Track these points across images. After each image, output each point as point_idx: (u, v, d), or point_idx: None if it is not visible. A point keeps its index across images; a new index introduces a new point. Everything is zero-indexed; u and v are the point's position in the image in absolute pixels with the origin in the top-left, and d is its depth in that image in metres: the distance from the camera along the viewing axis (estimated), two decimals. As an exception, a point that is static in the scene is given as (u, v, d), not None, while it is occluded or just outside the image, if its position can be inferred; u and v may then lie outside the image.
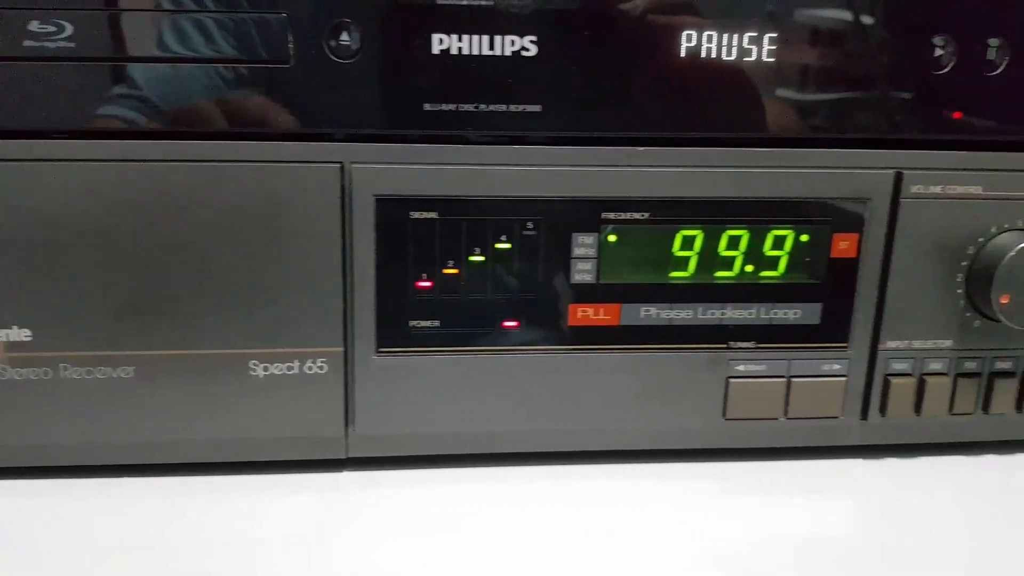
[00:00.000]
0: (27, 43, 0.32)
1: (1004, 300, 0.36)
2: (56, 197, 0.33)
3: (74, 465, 0.36)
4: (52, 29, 0.32)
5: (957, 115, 0.36)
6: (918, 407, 0.39)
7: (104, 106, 0.33)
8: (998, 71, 0.35)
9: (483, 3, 0.33)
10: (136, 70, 0.33)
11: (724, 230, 0.37)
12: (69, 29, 0.32)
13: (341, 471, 0.38)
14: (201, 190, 0.34)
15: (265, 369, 0.36)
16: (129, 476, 0.36)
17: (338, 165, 0.34)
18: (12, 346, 0.34)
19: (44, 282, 0.34)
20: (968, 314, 0.38)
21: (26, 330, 0.34)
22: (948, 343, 0.38)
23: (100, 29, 0.32)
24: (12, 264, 0.33)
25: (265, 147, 0.34)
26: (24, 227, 0.33)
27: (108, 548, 0.32)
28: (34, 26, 0.32)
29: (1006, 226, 0.37)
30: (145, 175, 0.33)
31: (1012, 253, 0.36)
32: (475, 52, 0.33)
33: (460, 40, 0.33)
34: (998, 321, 0.37)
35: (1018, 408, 0.40)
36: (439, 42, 0.33)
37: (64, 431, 0.35)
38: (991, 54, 0.35)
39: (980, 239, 0.37)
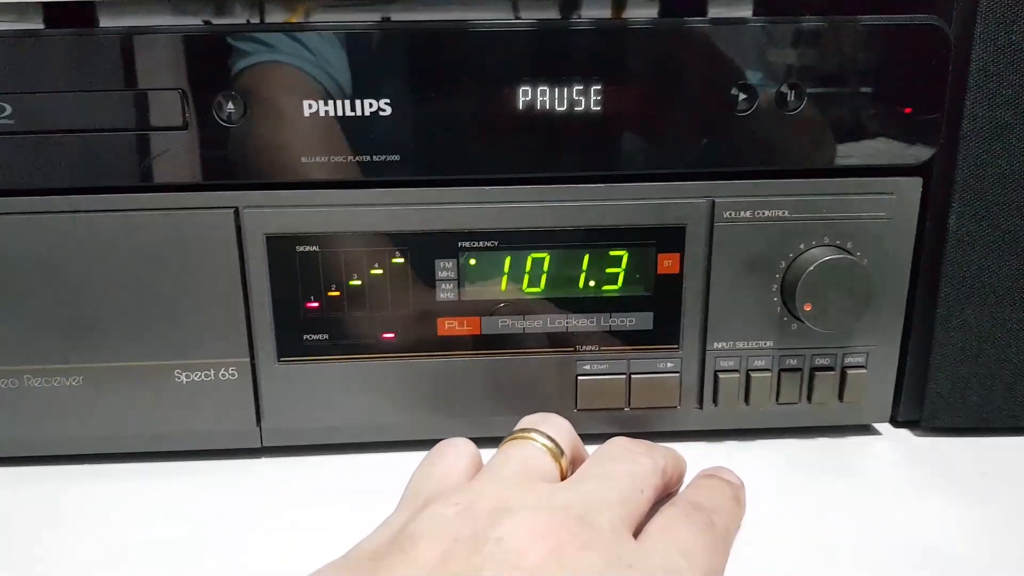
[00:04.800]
0: (-23, 122, 0.39)
1: (808, 308, 0.42)
2: (13, 244, 0.41)
3: (38, 455, 0.44)
4: (-5, 110, 0.39)
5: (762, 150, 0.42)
6: (747, 398, 0.45)
7: (49, 169, 0.40)
8: (794, 112, 0.41)
9: (344, 74, 0.40)
10: (70, 140, 0.40)
11: (568, 252, 0.43)
12: (9, 109, 0.39)
13: (259, 458, 0.46)
14: (129, 233, 0.41)
15: (187, 377, 0.43)
16: (84, 464, 0.45)
17: (233, 209, 0.41)
18: (-16, 362, 0.43)
19: (8, 312, 0.42)
20: (785, 318, 0.44)
21: (-6, 349, 0.43)
22: (770, 343, 0.44)
23: (36, 109, 0.40)
24: (-21, 298, 0.42)
25: (174, 197, 0.41)
26: (-14, 268, 0.41)
27: (80, 517, 0.40)
28: (-19, 108, 0.39)
29: (813, 243, 0.43)
30: (84, 223, 0.41)
31: (811, 268, 0.41)
32: (339, 113, 0.40)
33: (326, 104, 0.40)
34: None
35: (840, 397, 0.45)
36: (309, 107, 0.40)
37: (28, 429, 0.43)
38: (787, 97, 0.41)
39: (791, 255, 0.43)
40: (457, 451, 0.34)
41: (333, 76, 0.40)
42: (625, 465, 0.32)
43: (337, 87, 0.40)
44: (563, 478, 0.33)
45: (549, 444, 0.33)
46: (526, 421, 0.35)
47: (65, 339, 0.42)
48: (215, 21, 0.43)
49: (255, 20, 0.47)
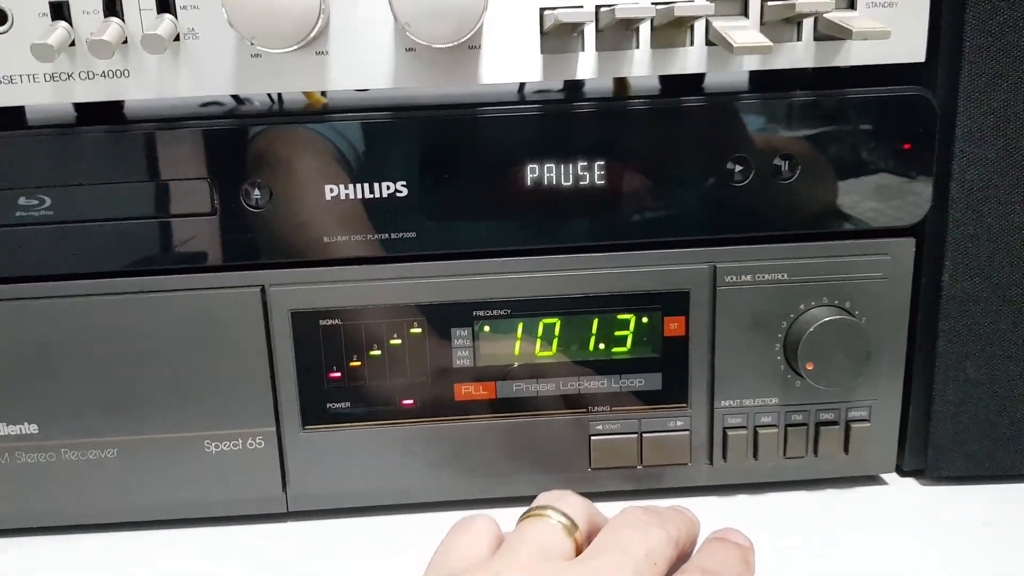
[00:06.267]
0: (18, 213, 0.42)
1: (809, 366, 0.44)
2: (52, 326, 0.43)
3: (75, 524, 0.46)
4: (36, 202, 0.42)
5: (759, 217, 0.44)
6: (755, 454, 0.47)
7: (86, 256, 0.43)
8: (789, 181, 0.43)
9: (363, 159, 0.42)
10: (106, 228, 0.42)
11: (578, 317, 0.45)
12: (48, 201, 0.42)
13: (285, 522, 0.47)
14: (161, 312, 0.43)
15: (216, 447, 0.45)
16: (118, 531, 0.46)
17: (259, 288, 0.43)
18: (23, 438, 0.45)
19: (46, 390, 0.44)
20: (789, 376, 0.46)
21: (34, 425, 0.45)
22: (775, 400, 0.46)
23: (73, 200, 0.42)
24: (21, 378, 0.44)
25: (204, 277, 0.43)
26: (29, 351, 0.43)
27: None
28: (22, 200, 0.42)
29: (813, 304, 0.45)
30: (119, 305, 0.43)
31: (811, 329, 0.43)
32: (359, 196, 0.43)
33: (347, 188, 0.42)
34: (811, 382, 0.45)
35: (845, 450, 0.47)
36: (330, 191, 0.42)
37: (66, 500, 0.45)
38: (781, 168, 0.43)
39: (792, 315, 0.45)
40: (477, 528, 0.36)
41: (353, 161, 0.42)
42: (638, 536, 0.33)
43: (357, 171, 0.42)
44: (579, 551, 0.34)
45: (564, 520, 0.35)
46: (542, 498, 0.37)
47: (100, 414, 0.44)
48: (239, 113, 0.46)
49: (276, 111, 0.49)
